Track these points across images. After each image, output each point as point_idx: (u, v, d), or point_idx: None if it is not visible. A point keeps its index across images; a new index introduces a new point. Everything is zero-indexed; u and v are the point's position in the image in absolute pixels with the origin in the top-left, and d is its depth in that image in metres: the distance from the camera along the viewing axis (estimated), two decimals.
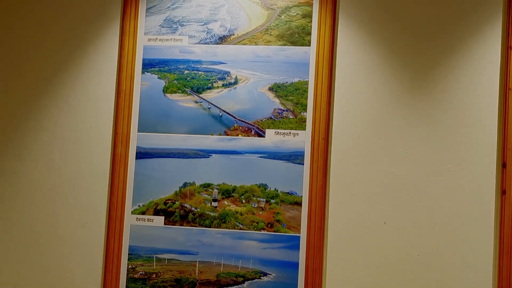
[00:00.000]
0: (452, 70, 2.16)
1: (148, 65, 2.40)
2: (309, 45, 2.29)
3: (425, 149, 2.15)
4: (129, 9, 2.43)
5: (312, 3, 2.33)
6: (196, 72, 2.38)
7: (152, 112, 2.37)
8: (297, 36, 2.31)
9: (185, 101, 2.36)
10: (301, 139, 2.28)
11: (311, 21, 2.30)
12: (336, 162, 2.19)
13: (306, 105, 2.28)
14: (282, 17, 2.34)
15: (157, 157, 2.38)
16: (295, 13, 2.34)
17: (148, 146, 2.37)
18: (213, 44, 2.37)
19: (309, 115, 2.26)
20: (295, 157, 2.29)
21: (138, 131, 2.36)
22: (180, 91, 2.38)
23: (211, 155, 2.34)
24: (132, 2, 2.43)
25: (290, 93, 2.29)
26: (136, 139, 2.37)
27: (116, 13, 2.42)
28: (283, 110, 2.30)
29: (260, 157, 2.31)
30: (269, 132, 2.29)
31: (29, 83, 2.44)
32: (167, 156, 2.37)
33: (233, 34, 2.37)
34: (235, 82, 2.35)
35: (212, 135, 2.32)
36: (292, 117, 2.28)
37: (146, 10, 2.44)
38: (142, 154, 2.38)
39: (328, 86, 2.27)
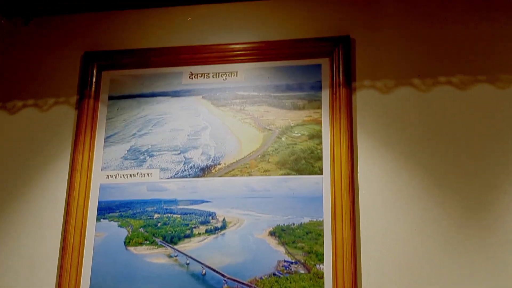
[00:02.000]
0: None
1: (105, 210, 2.17)
2: (321, 173, 2.05)
3: None
4: (82, 139, 2.24)
5: (321, 120, 2.13)
6: (170, 215, 2.14)
7: (110, 273, 2.08)
8: (304, 163, 2.09)
9: (154, 256, 2.09)
10: None
11: (321, 143, 2.09)
12: None
13: (323, 255, 1.97)
14: (283, 139, 2.15)
15: None
16: (299, 134, 2.14)
17: None
18: (192, 177, 2.15)
19: (327, 268, 1.94)
20: None
21: None
22: (148, 242, 2.11)
23: None
24: (87, 130, 2.25)
25: (299, 239, 2.01)
26: None
27: (65, 145, 2.27)
28: (291, 263, 1.99)
29: None
30: None
31: None
32: None
33: (219, 164, 2.15)
34: (223, 227, 2.09)
35: None
36: (304, 271, 1.96)
37: (104, 139, 2.26)
38: None
39: (352, 226, 1.98)
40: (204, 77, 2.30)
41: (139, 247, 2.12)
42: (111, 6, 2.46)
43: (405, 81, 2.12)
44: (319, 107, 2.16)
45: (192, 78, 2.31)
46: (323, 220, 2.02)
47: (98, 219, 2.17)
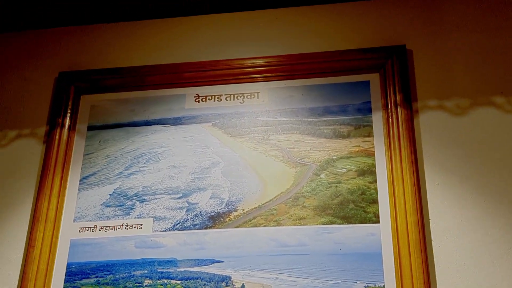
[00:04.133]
0: None
1: (76, 275, 1.79)
2: (378, 221, 1.68)
3: None
4: (49, 181, 1.90)
5: (373, 151, 1.77)
6: (166, 281, 1.75)
7: None
8: (353, 207, 1.72)
9: None
10: None
11: (375, 181, 1.73)
12: None
13: None
14: (322, 176, 1.79)
15: None
16: (344, 169, 1.79)
17: None
18: (198, 229, 1.78)
19: None
20: None
21: None
22: None
23: None
24: (57, 169, 1.91)
25: None
26: None
27: (27, 189, 1.93)
28: None
29: None
30: None
31: None
32: None
33: (235, 210, 1.79)
34: None
35: None
36: None
37: (80, 181, 1.91)
38: None
39: None
40: (214, 100, 1.99)
41: None
42: (93, 19, 2.16)
43: (484, 99, 1.81)
44: (370, 135, 1.81)
45: (198, 101, 1.99)
46: (384, 286, 1.62)
47: None
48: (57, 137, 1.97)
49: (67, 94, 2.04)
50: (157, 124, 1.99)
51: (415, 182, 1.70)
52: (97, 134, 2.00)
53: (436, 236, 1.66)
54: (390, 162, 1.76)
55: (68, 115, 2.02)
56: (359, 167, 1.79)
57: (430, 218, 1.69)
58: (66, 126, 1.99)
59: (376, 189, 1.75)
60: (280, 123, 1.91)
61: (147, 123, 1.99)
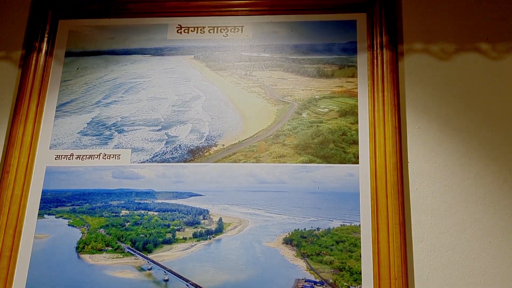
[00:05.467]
0: None
1: (51, 203, 1.77)
2: (357, 162, 1.68)
3: None
4: (24, 106, 1.85)
5: (356, 92, 1.76)
6: (143, 212, 1.75)
7: None
8: (333, 147, 1.72)
9: (119, 268, 1.70)
10: None
11: (356, 122, 1.74)
12: None
13: (360, 273, 1.60)
14: (304, 115, 1.78)
15: None
16: (326, 109, 1.79)
17: None
18: (177, 162, 1.77)
19: None
20: None
21: None
22: (110, 248, 1.75)
23: None
24: (33, 94, 1.85)
25: (326, 250, 1.66)
26: None
27: (2, 114, 1.86)
28: (315, 283, 1.61)
29: None
30: None
31: None
32: None
33: (215, 145, 1.77)
34: (219, 230, 1.71)
35: None
36: None
37: (56, 108, 1.87)
38: None
39: (402, 235, 1.63)
40: (197, 32, 1.93)
41: (97, 255, 1.72)
42: None
43: (469, 45, 1.81)
44: (354, 75, 1.80)
45: (180, 32, 1.94)
46: (360, 225, 1.64)
47: (40, 215, 1.79)
48: (33, 61, 1.91)
49: (44, 18, 1.97)
50: (137, 54, 1.94)
51: (396, 124, 1.70)
52: (75, 61, 1.94)
53: (414, 179, 1.68)
54: (372, 104, 1.76)
55: (45, 39, 1.96)
56: (341, 107, 1.79)
57: (408, 161, 1.70)
58: (43, 51, 1.93)
59: (357, 130, 1.75)
60: (263, 59, 1.88)
61: (127, 52, 1.94)
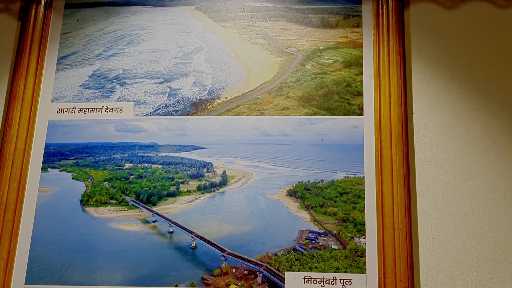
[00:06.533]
0: None
1: (54, 156, 1.79)
2: (361, 114, 1.69)
3: None
4: (25, 59, 1.84)
5: (361, 43, 1.75)
6: (147, 165, 1.77)
7: (57, 243, 1.71)
8: (338, 99, 1.72)
9: (123, 221, 1.74)
10: None
11: (361, 73, 1.73)
12: None
13: (364, 224, 1.62)
14: (308, 66, 1.77)
15: None
16: (330, 60, 1.77)
17: None
18: (180, 115, 1.77)
19: (370, 243, 1.58)
20: None
21: (26, 283, 1.69)
22: (114, 201, 1.79)
23: None
24: (33, 48, 1.85)
25: (329, 201, 1.66)
26: None
27: (3, 67, 1.86)
28: (319, 234, 1.64)
29: None
30: (293, 280, 1.63)
31: None
32: None
33: (218, 98, 1.77)
34: (223, 183, 1.73)
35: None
36: (336, 247, 1.61)
37: (57, 61, 1.86)
38: None
39: (405, 186, 1.66)
40: None
41: (101, 208, 1.76)
42: None
43: None
44: (359, 25, 1.78)
45: None
46: (364, 177, 1.66)
47: (44, 169, 1.83)
48: (32, 13, 1.90)
49: None
50: (138, 5, 1.93)
51: (401, 75, 1.70)
52: (75, 12, 1.93)
53: (419, 130, 1.69)
54: (377, 55, 1.75)
55: None
56: (345, 58, 1.78)
57: (413, 112, 1.71)
58: (42, 2, 1.93)
59: (361, 81, 1.75)
60: (266, 9, 1.86)
61: (128, 3, 1.93)
